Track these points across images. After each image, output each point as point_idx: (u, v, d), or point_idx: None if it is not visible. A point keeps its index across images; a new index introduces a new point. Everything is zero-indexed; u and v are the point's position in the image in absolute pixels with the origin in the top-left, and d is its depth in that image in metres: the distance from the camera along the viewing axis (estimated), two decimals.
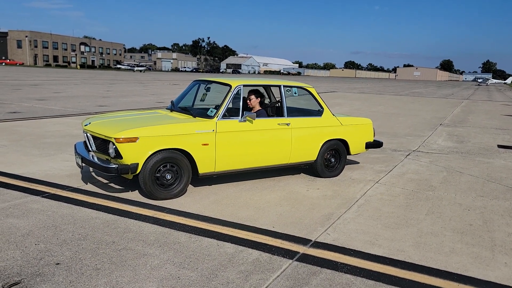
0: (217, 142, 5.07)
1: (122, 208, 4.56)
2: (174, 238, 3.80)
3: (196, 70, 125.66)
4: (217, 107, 5.28)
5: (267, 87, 6.48)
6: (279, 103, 5.93)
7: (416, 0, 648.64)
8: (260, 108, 5.90)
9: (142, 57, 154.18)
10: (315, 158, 6.00)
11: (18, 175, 5.64)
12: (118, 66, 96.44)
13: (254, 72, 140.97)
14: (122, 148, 4.54)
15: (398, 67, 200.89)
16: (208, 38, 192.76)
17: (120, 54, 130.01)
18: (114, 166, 4.56)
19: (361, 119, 6.57)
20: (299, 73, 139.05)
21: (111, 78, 44.36)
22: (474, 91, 50.16)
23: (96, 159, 4.91)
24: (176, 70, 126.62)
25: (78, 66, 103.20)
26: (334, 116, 6.22)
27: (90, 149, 5.13)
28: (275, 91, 5.91)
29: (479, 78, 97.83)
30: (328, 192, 5.47)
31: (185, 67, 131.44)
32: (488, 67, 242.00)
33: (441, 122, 14.48)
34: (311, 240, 3.86)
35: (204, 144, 4.99)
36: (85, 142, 5.62)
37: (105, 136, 4.68)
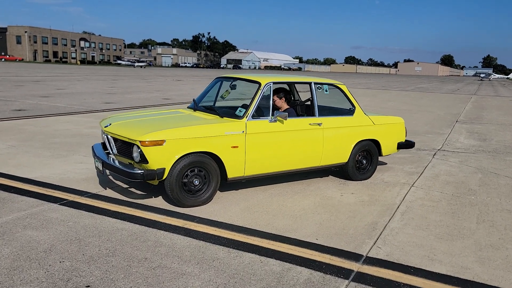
0: (247, 144, 4.70)
1: (148, 217, 4.19)
2: (211, 254, 3.44)
3: (196, 66, 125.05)
4: (246, 107, 4.90)
5: (292, 84, 6.10)
6: (309, 101, 5.55)
7: None
8: (288, 106, 5.51)
9: (142, 52, 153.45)
10: (346, 160, 5.63)
11: (31, 179, 5.27)
12: (119, 61, 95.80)
13: (255, 68, 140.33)
14: (148, 152, 4.17)
15: (398, 62, 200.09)
16: (209, 33, 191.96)
17: (120, 50, 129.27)
18: (139, 171, 4.19)
19: (393, 118, 6.19)
20: (300, 69, 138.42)
21: (113, 74, 43.89)
22: (478, 86, 49.72)
23: (117, 163, 4.54)
24: (176, 65, 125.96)
25: (78, 62, 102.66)
26: (366, 115, 5.84)
27: (111, 152, 4.75)
28: (304, 88, 5.53)
29: (482, 73, 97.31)
30: (364, 197, 5.10)
31: (186, 63, 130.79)
32: (488, 62, 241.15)
33: (457, 119, 14.10)
34: (362, 255, 3.49)
35: (234, 147, 4.62)
36: (103, 143, 5.26)
37: (128, 138, 4.30)
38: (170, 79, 36.75)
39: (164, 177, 4.31)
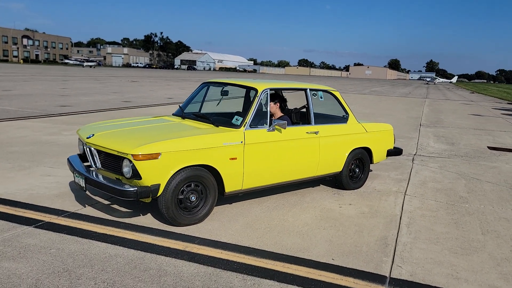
0: (245, 156, 4.36)
1: (142, 239, 3.74)
2: (225, 282, 3.07)
3: (149, 66, 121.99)
4: (242, 115, 4.56)
5: (283, 91, 5.81)
6: (304, 108, 5.30)
7: (365, 0, 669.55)
8: (282, 114, 5.23)
9: (90, 52, 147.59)
10: (341, 169, 5.43)
11: None
12: (66, 61, 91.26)
13: (210, 69, 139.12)
14: (142, 166, 3.72)
15: (349, 65, 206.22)
16: (161, 33, 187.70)
17: (67, 49, 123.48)
18: (132, 189, 3.73)
19: (383, 125, 6.08)
20: (254, 71, 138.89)
21: (62, 74, 41.68)
22: (426, 89, 52.05)
23: (102, 179, 4.04)
24: (127, 65, 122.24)
25: (21, 61, 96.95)
26: (359, 123, 5.68)
27: (93, 166, 4.24)
28: (299, 95, 5.28)
29: (427, 77, 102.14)
30: (363, 208, 4.91)
31: (137, 63, 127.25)
32: (431, 66, 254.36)
33: (419, 122, 14.45)
34: (386, 277, 3.27)
35: (232, 159, 4.27)
36: (80, 155, 4.72)
37: (118, 152, 3.83)
38: (125, 80, 35.38)
39: (158, 194, 3.88)
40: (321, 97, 5.31)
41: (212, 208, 4.26)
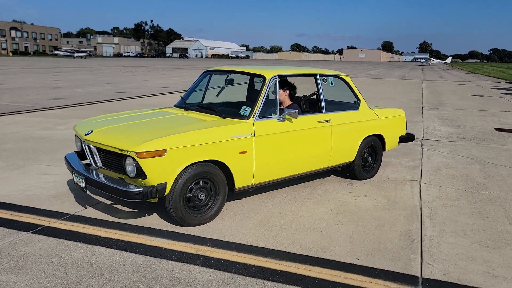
0: (255, 149, 4.07)
1: (150, 243, 3.47)
2: None
3: (140, 55, 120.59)
4: (249, 104, 4.26)
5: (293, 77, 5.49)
6: (314, 96, 5.00)
7: None
8: (291, 102, 4.93)
9: (80, 42, 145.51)
10: (353, 159, 5.16)
11: None
12: (56, 52, 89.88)
13: (202, 56, 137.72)
14: (147, 164, 3.43)
15: (343, 49, 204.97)
16: (152, 21, 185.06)
17: (57, 39, 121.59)
18: (138, 189, 3.44)
19: (395, 110, 5.79)
20: (247, 57, 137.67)
21: (53, 65, 40.93)
22: (422, 71, 51.71)
23: (103, 179, 3.74)
24: (119, 55, 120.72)
25: (10, 53, 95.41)
26: (371, 109, 5.39)
27: (93, 164, 3.94)
28: (309, 81, 4.96)
29: (421, 59, 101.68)
30: (380, 200, 4.66)
31: (129, 52, 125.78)
32: (424, 47, 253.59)
33: (421, 105, 14.19)
34: (418, 277, 3.02)
35: (242, 152, 3.98)
36: (78, 153, 4.41)
37: (120, 149, 3.52)
38: (117, 70, 34.76)
39: (165, 194, 3.59)
40: (331, 83, 5.01)
41: (222, 206, 3.99)
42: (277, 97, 4.44)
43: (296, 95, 5.09)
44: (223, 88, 5.07)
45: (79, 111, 10.93)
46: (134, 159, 3.45)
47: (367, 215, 4.21)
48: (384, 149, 5.60)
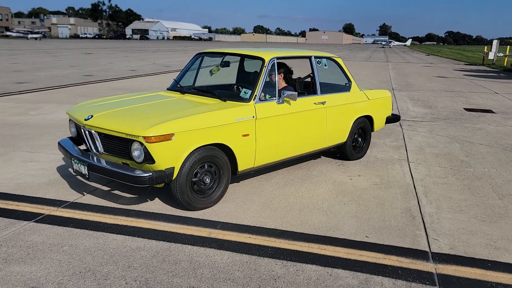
0: (257, 131, 4.08)
1: (161, 228, 3.43)
2: (267, 271, 2.85)
3: (99, 37, 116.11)
4: (249, 87, 4.24)
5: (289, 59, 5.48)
6: (309, 78, 5.03)
7: None
8: (286, 84, 4.94)
9: (33, 22, 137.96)
10: (345, 139, 5.28)
11: None
12: (8, 33, 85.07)
13: (163, 38, 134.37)
14: (155, 149, 3.37)
15: (305, 31, 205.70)
16: (109, 1, 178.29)
17: (7, 20, 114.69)
18: (147, 175, 3.38)
19: (382, 92, 5.94)
20: (210, 39, 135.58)
21: (8, 48, 38.79)
22: (384, 53, 52.84)
23: (105, 164, 3.65)
24: (76, 36, 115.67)
25: None
26: (361, 90, 5.50)
27: (94, 150, 3.82)
28: (303, 63, 4.98)
29: (382, 41, 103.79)
30: (374, 179, 4.81)
31: (86, 34, 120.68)
32: (384, 30, 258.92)
33: (391, 87, 14.55)
34: (427, 252, 3.17)
35: (245, 135, 3.98)
36: (72, 138, 4.28)
37: (127, 134, 3.43)
38: (78, 52, 33.39)
39: (173, 178, 3.55)
40: (325, 65, 5.06)
41: (226, 189, 3.99)
42: (276, 79, 4.44)
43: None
44: (212, 70, 4.95)
45: (49, 95, 10.48)
46: (141, 144, 3.37)
47: (365, 194, 4.34)
48: (372, 130, 5.74)
